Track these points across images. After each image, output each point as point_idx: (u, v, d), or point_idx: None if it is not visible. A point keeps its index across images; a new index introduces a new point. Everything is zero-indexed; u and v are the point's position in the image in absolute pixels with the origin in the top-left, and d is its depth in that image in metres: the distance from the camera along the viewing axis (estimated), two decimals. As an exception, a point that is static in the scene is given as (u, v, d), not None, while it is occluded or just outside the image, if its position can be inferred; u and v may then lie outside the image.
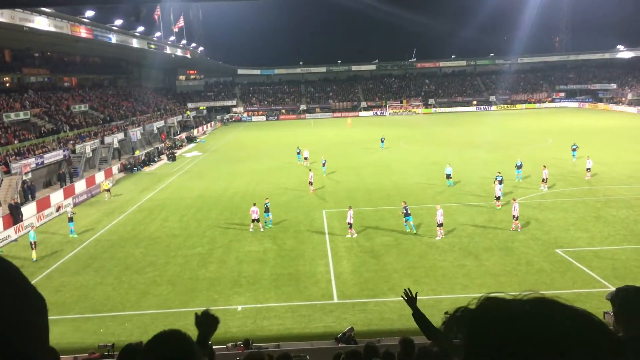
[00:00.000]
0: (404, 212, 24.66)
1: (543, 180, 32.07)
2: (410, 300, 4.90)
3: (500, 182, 29.44)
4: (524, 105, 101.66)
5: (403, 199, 27.27)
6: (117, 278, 21.14)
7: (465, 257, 21.34)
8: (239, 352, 11.53)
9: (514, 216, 24.37)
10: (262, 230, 26.33)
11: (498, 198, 28.27)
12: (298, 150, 47.16)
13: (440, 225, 23.72)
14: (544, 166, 32.78)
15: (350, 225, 24.63)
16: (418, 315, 4.79)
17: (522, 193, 30.56)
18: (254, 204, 26.62)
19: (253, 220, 26.36)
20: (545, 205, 28.54)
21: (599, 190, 31.48)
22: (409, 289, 5.00)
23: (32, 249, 23.99)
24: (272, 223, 27.18)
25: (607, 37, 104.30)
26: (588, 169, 34.32)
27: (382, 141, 53.32)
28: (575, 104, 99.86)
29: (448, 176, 34.20)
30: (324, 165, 40.27)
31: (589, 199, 29.50)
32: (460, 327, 1.08)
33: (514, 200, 25.17)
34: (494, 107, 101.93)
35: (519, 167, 34.77)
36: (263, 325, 16.48)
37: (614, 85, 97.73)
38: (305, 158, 45.38)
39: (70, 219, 27.89)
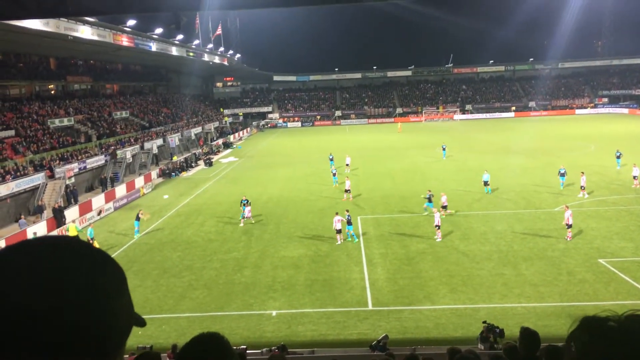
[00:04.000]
0: (347, 219, 24.97)
1: (581, 187, 31.23)
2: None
3: (429, 200, 28.65)
4: (558, 112, 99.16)
5: (439, 205, 26.93)
6: (155, 281, 21.55)
7: (504, 266, 20.88)
8: (273, 357, 11.57)
9: (568, 225, 23.43)
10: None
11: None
12: (330, 157, 47.07)
13: (438, 227, 24.58)
14: (582, 172, 31.89)
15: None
16: None
17: (564, 200, 29.70)
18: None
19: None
20: (588, 214, 27.68)
21: (644, 199, 30.38)
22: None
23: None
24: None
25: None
26: (635, 177, 33.13)
27: (444, 149, 50.40)
28: (618, 110, 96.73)
29: (486, 183, 33.64)
30: (334, 175, 39.05)
31: (634, 208, 28.47)
32: (594, 337, 0.98)
33: (567, 207, 24.24)
34: (528, 113, 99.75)
35: (563, 174, 33.80)
36: (298, 331, 16.49)
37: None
38: (347, 164, 44.99)
39: (137, 218, 28.67)
